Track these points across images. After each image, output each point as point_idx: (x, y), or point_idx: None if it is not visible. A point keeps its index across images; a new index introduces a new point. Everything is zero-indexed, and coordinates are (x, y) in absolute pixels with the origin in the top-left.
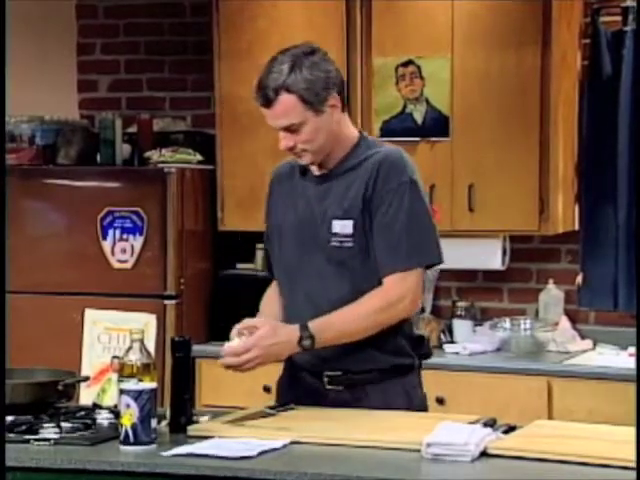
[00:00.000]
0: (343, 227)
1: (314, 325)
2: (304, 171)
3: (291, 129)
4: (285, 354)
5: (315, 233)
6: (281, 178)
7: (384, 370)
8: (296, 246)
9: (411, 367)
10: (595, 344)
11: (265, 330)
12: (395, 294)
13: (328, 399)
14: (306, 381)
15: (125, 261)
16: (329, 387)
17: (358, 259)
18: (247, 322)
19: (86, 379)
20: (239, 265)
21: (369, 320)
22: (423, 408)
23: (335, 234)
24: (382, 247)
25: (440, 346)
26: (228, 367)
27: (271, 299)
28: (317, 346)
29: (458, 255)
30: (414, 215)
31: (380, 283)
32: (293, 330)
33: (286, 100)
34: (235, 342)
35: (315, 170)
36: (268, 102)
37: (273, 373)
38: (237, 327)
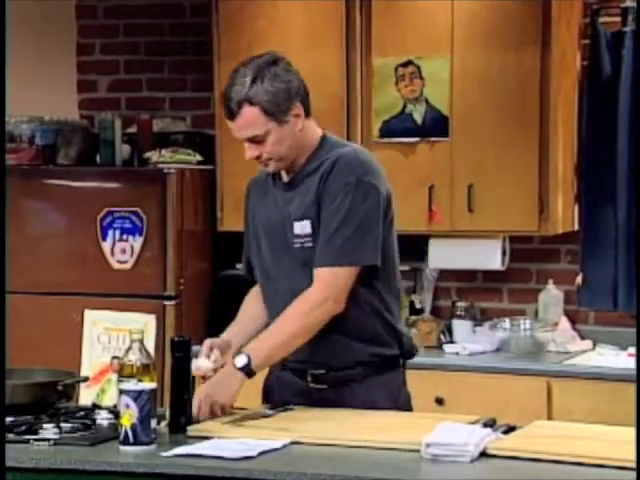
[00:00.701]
0: (302, 227)
1: (249, 349)
2: (274, 177)
3: (255, 140)
4: (233, 386)
5: (283, 236)
6: (257, 184)
7: (366, 363)
8: (269, 249)
9: (394, 361)
10: (595, 344)
11: (206, 383)
12: (318, 296)
13: (313, 398)
14: (291, 381)
15: (125, 261)
16: (313, 386)
17: None
18: (216, 341)
19: (86, 379)
20: (239, 265)
21: (295, 326)
22: (408, 408)
23: (297, 236)
24: (319, 241)
25: (440, 346)
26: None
27: (250, 302)
28: (256, 368)
29: (458, 255)
30: (352, 214)
31: None
32: (228, 366)
33: (248, 112)
34: (203, 362)
35: (284, 177)
36: (232, 115)
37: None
38: (207, 343)
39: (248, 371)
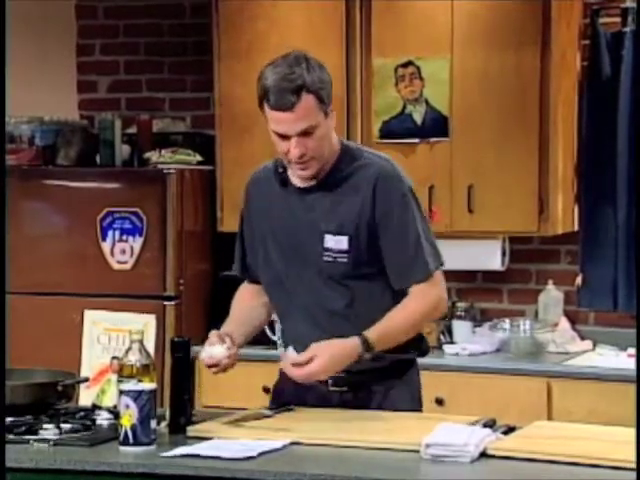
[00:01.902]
0: (337, 242)
1: (372, 335)
2: (284, 182)
3: (306, 133)
4: (342, 367)
5: (303, 246)
6: (259, 185)
7: (386, 367)
8: (282, 257)
9: (411, 363)
10: (595, 345)
11: (321, 346)
12: (433, 295)
13: (332, 401)
14: (310, 385)
15: (125, 262)
16: (333, 389)
17: (352, 274)
18: (221, 332)
19: (85, 380)
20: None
21: (415, 325)
22: (420, 408)
23: (328, 249)
24: (403, 260)
25: (440, 347)
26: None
27: (243, 300)
28: (376, 345)
29: (457, 256)
30: (421, 222)
31: (386, 296)
32: (352, 344)
33: (307, 100)
34: (217, 349)
35: (298, 182)
36: (290, 105)
37: (272, 374)
38: (215, 332)
39: (367, 347)
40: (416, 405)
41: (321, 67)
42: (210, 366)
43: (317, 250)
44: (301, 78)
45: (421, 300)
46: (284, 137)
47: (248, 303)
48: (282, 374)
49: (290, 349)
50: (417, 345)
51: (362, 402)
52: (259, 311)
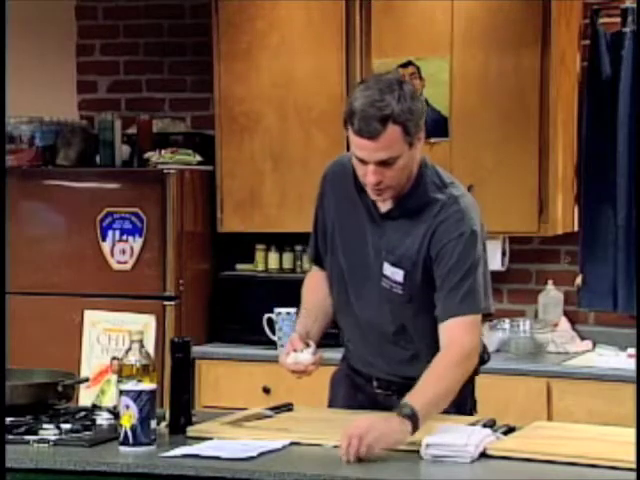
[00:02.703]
0: (393, 273)
1: (416, 407)
2: (361, 188)
3: (386, 163)
4: (394, 442)
5: (367, 264)
6: (335, 179)
7: None
8: (347, 266)
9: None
10: (594, 345)
11: (370, 424)
12: (467, 346)
13: (377, 402)
14: (358, 382)
15: (124, 262)
16: (378, 391)
17: (406, 306)
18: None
19: (85, 380)
20: (238, 266)
21: (455, 377)
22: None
23: (386, 277)
24: (451, 295)
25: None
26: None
27: (313, 290)
28: (423, 419)
29: None
30: (480, 264)
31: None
32: (396, 425)
33: (393, 132)
34: (304, 355)
35: (378, 204)
36: (374, 134)
37: (272, 374)
38: (298, 336)
39: (414, 429)
40: (463, 411)
41: (413, 96)
42: (295, 372)
43: (378, 273)
44: (389, 107)
45: (454, 351)
46: (363, 162)
47: (320, 293)
48: (339, 366)
49: (301, 352)
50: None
51: None
52: (330, 301)
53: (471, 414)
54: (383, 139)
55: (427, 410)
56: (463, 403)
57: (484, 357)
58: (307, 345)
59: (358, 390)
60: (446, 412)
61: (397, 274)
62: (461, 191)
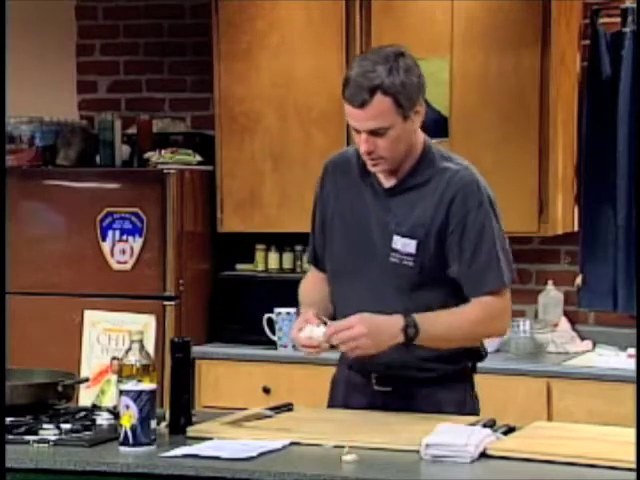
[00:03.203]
0: (405, 245)
1: (419, 317)
2: (366, 171)
3: (377, 133)
4: (386, 341)
5: (370, 243)
6: (336, 170)
7: (434, 378)
8: (347, 250)
9: (461, 373)
10: (594, 345)
11: (364, 314)
12: (497, 308)
13: (377, 402)
14: (355, 381)
15: (124, 262)
16: (377, 388)
17: (416, 279)
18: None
19: (85, 380)
20: (238, 266)
21: (468, 329)
22: (475, 412)
23: (395, 250)
24: (475, 268)
25: None
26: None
27: (313, 288)
28: (418, 340)
29: None
30: (499, 233)
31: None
32: (396, 317)
33: (381, 102)
34: (317, 330)
35: (384, 181)
36: (362, 103)
37: (272, 374)
38: (313, 313)
39: (410, 340)
40: (464, 410)
41: (408, 70)
42: (307, 346)
43: (385, 250)
44: (379, 78)
45: (479, 308)
46: (357, 130)
47: (320, 293)
48: (337, 368)
49: (314, 327)
50: (473, 355)
51: (406, 404)
52: (329, 300)
53: (474, 413)
54: (371, 108)
55: (425, 338)
56: (462, 402)
57: (482, 353)
58: (323, 322)
59: (356, 391)
60: (446, 412)
61: (409, 245)
62: (468, 164)
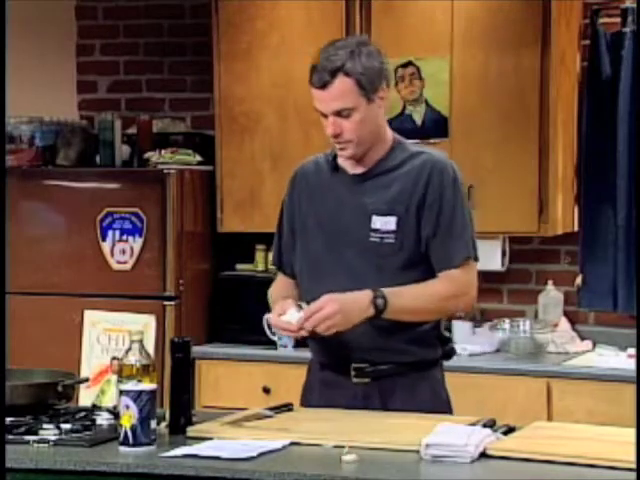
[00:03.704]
0: (385, 223)
1: (387, 290)
2: (335, 167)
3: (342, 114)
4: (357, 315)
5: (347, 229)
6: (307, 176)
7: (410, 363)
8: (323, 242)
9: (436, 361)
10: (594, 345)
11: (332, 294)
12: (464, 282)
13: (356, 392)
14: (333, 380)
15: (124, 262)
16: (356, 380)
17: (397, 256)
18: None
19: (85, 380)
20: (238, 266)
21: (435, 304)
22: (449, 406)
23: (376, 230)
24: (446, 242)
25: None
26: (309, 333)
27: (283, 289)
28: (387, 313)
29: None
30: (466, 210)
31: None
32: (365, 291)
33: (343, 83)
34: (294, 314)
35: (349, 168)
36: (324, 84)
37: (272, 374)
38: (287, 302)
39: (379, 313)
40: (440, 404)
41: (371, 55)
42: (286, 330)
43: (363, 232)
44: (340, 61)
45: (447, 282)
46: (324, 115)
47: (288, 290)
48: (308, 372)
49: (291, 312)
50: (442, 345)
51: (385, 396)
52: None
53: (448, 404)
54: (333, 89)
55: (395, 310)
56: (437, 392)
57: (449, 352)
58: (300, 307)
59: (334, 389)
60: (422, 402)
61: (389, 222)
62: (441, 152)
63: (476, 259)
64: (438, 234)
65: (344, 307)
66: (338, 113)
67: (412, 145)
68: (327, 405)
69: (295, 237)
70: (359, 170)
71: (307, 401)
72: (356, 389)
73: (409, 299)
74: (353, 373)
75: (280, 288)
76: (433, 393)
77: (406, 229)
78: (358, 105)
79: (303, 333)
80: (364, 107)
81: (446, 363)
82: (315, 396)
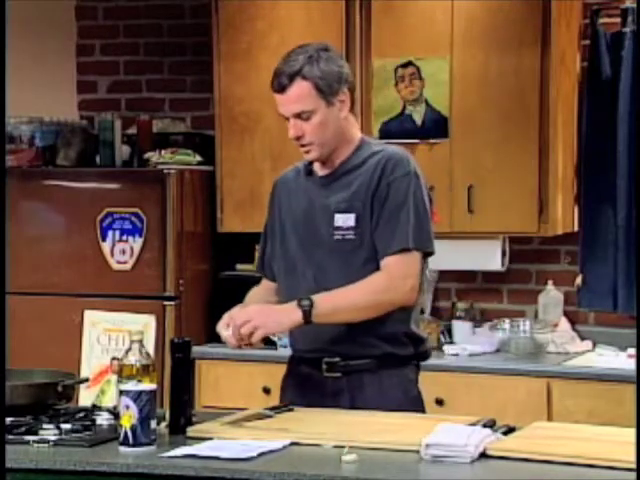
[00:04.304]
0: (345, 220)
1: (315, 297)
2: (309, 172)
3: (302, 117)
4: (286, 320)
5: (316, 229)
6: (287, 181)
7: (380, 357)
8: (297, 242)
9: (407, 359)
10: (594, 345)
11: (258, 306)
12: (398, 275)
13: (326, 388)
14: (306, 373)
15: (124, 262)
16: (327, 374)
17: (359, 252)
18: (232, 313)
19: (85, 380)
20: (238, 266)
21: (370, 298)
22: (419, 404)
23: (337, 227)
24: (386, 229)
25: (440, 347)
26: (237, 346)
27: (256, 295)
28: (315, 316)
29: (457, 256)
30: (418, 202)
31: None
32: (290, 304)
33: (300, 86)
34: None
35: (319, 170)
36: (283, 88)
37: (272, 374)
38: (224, 320)
39: (308, 314)
40: (411, 403)
41: (330, 60)
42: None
43: (328, 230)
44: (298, 65)
45: (382, 274)
46: (286, 118)
47: (263, 295)
48: (287, 367)
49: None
50: (416, 347)
51: (354, 392)
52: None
53: (419, 403)
54: (292, 92)
55: (325, 311)
56: (407, 389)
57: (424, 353)
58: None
59: (306, 382)
60: (392, 397)
61: (349, 219)
62: (402, 149)
63: (426, 253)
64: (380, 223)
65: (264, 309)
66: (298, 116)
67: (376, 144)
68: (299, 403)
69: (276, 237)
70: (326, 171)
71: (282, 398)
72: (326, 384)
73: (339, 298)
74: (325, 367)
75: (259, 293)
76: (403, 392)
77: (364, 224)
78: (317, 108)
79: (246, 343)
80: (323, 110)
81: (446, 363)
82: (290, 391)
